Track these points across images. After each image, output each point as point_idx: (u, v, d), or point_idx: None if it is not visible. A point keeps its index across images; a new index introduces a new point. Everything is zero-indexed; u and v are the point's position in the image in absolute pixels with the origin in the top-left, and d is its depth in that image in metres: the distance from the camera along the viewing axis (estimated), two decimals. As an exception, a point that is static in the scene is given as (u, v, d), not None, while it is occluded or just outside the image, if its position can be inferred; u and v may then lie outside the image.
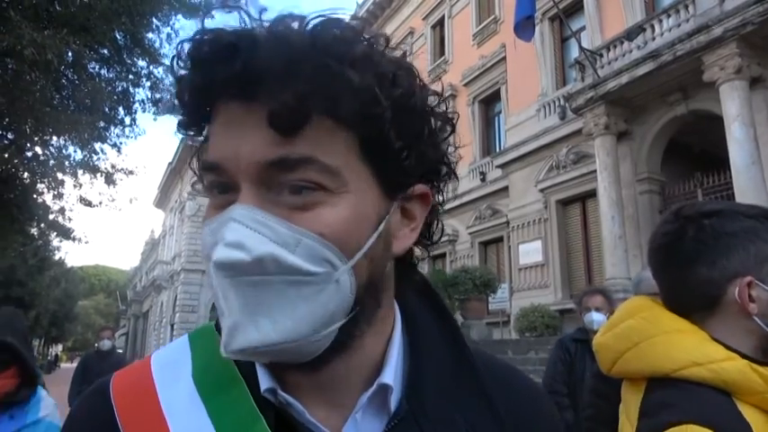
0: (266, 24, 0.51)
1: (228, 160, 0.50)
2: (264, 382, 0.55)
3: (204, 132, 0.57)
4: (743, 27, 9.15)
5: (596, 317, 3.60)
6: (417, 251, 0.65)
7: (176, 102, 0.55)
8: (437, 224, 0.65)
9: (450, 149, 0.63)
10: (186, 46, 0.52)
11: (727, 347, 0.95)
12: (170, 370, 0.59)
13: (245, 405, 0.54)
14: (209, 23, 0.52)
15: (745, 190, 8.94)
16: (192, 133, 0.58)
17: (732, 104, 9.33)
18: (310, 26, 0.51)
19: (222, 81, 0.49)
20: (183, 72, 0.53)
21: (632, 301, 1.13)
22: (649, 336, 1.01)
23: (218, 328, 0.61)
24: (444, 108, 0.60)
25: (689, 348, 0.95)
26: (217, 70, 0.49)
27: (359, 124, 0.51)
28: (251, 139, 0.49)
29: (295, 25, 0.51)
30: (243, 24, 0.52)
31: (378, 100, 0.50)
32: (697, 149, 11.93)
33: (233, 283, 0.48)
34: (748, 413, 0.89)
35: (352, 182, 0.51)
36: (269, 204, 0.50)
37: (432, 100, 0.59)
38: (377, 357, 0.59)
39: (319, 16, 0.51)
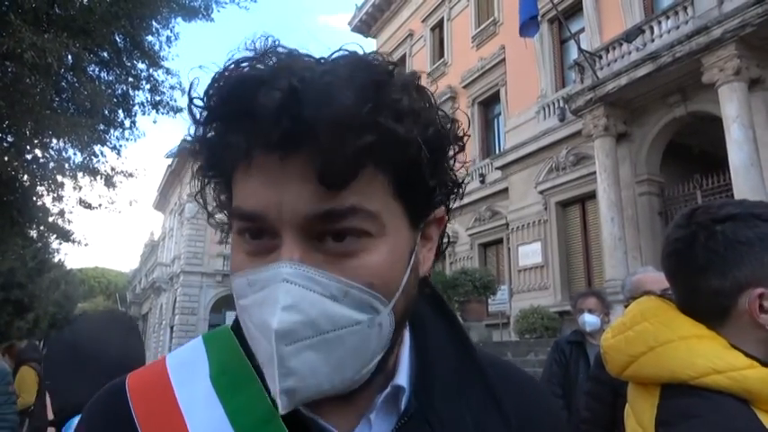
0: (294, 64, 0.50)
1: (271, 211, 0.49)
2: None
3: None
4: (742, 29, 9.17)
5: (588, 318, 3.63)
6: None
7: (199, 148, 0.54)
8: (445, 241, 0.66)
9: (458, 166, 0.63)
10: (222, 90, 0.50)
11: (747, 354, 0.92)
12: (186, 370, 0.60)
13: (261, 404, 0.55)
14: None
15: (745, 191, 8.94)
16: (215, 180, 0.56)
17: (731, 106, 9.35)
18: (348, 70, 0.49)
19: (267, 139, 0.47)
20: (202, 114, 0.52)
21: (645, 303, 1.08)
22: (666, 341, 0.97)
23: (234, 330, 0.62)
24: (456, 130, 0.60)
25: (708, 355, 0.92)
26: (262, 128, 0.47)
27: (397, 170, 0.52)
28: (296, 192, 0.48)
29: (338, 73, 0.49)
30: (263, 63, 0.51)
31: (417, 148, 0.51)
32: (696, 151, 11.94)
33: (293, 351, 0.48)
34: (767, 421, 0.87)
35: (389, 223, 0.52)
36: (313, 252, 0.50)
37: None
38: (391, 363, 0.60)
39: (358, 61, 0.51)
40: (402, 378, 0.59)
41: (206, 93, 0.52)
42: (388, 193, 0.52)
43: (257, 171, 0.50)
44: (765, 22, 8.99)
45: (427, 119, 0.53)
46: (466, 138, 0.61)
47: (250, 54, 0.52)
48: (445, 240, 0.67)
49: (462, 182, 0.62)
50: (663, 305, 1.05)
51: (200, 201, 0.60)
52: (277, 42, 0.54)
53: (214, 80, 0.51)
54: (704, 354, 0.92)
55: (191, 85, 0.54)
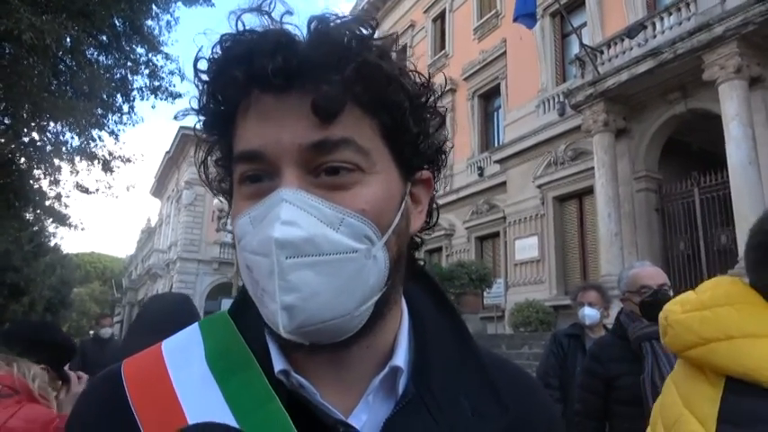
0: (300, 27, 0.56)
1: (270, 146, 0.53)
2: (278, 363, 0.57)
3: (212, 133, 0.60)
4: (744, 26, 9.15)
5: (589, 312, 3.64)
6: (417, 239, 0.68)
7: (198, 101, 0.58)
8: (435, 209, 0.69)
9: (444, 140, 0.68)
10: (227, 42, 0.55)
11: None
12: (181, 354, 0.61)
13: (259, 386, 0.56)
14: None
15: (742, 189, 8.98)
16: (215, 134, 0.60)
17: (731, 104, 9.35)
18: (341, 23, 0.56)
19: (263, 73, 0.52)
20: (204, 74, 0.56)
21: (731, 285, 0.99)
22: (752, 334, 0.89)
23: (233, 315, 0.64)
24: (435, 103, 0.65)
25: None
26: (259, 63, 0.52)
27: (383, 110, 0.56)
28: (291, 126, 0.53)
29: (331, 22, 0.55)
30: (275, 24, 0.56)
31: (403, 88, 0.57)
32: (695, 148, 11.95)
33: (293, 265, 0.50)
34: None
35: (379, 163, 0.56)
36: (310, 186, 0.53)
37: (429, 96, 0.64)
38: (388, 342, 0.61)
39: (348, 17, 0.57)
40: (400, 359, 0.59)
41: (212, 50, 0.56)
42: (377, 134, 0.57)
43: (255, 111, 0.54)
44: (767, 21, 8.96)
45: (406, 68, 0.59)
46: (445, 110, 0.67)
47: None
48: (441, 232, 0.69)
49: (445, 151, 0.67)
50: (752, 294, 0.95)
51: (203, 174, 0.63)
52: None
53: (215, 44, 0.56)
54: None
55: (196, 57, 0.58)
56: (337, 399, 0.56)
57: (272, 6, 0.57)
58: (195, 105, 0.59)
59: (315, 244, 0.50)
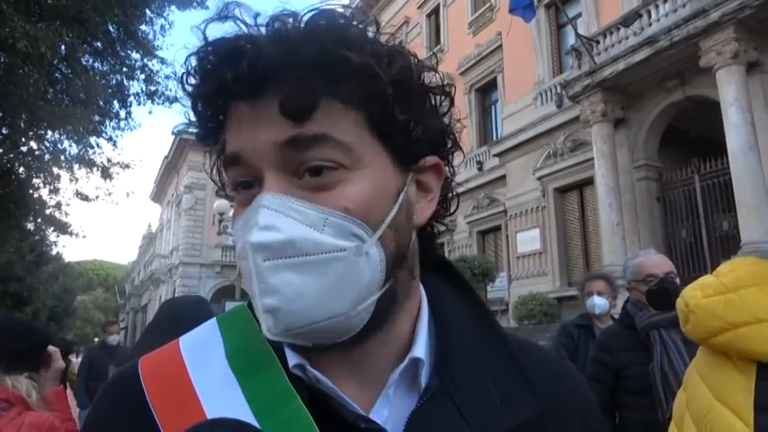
0: (262, 27, 0.55)
1: (247, 148, 0.53)
2: (293, 358, 0.56)
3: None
4: (740, 11, 9.11)
5: (598, 301, 3.61)
6: (436, 228, 0.67)
7: (192, 117, 0.59)
8: (452, 195, 0.67)
9: (453, 123, 0.65)
10: (193, 60, 0.55)
11: None
12: (200, 351, 0.60)
13: (279, 383, 0.55)
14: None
15: (742, 175, 8.95)
16: (213, 146, 0.60)
17: (729, 90, 9.31)
18: (305, 19, 0.54)
19: (230, 84, 0.52)
20: (192, 85, 0.56)
21: (755, 265, 0.93)
22: None
23: (251, 308, 0.62)
24: (440, 81, 0.62)
25: None
26: (224, 74, 0.52)
27: (364, 102, 0.54)
28: (266, 128, 0.52)
29: (290, 21, 0.54)
30: (240, 30, 0.55)
31: (378, 77, 0.53)
32: (694, 135, 11.91)
33: (272, 267, 0.50)
34: None
35: (366, 157, 0.54)
36: (292, 188, 0.52)
37: (431, 76, 0.61)
38: (407, 334, 0.59)
39: (312, 10, 0.55)
40: (420, 350, 0.57)
41: (183, 66, 0.57)
42: (363, 127, 0.54)
43: (234, 118, 0.54)
44: (764, 4, 8.92)
45: (382, 51, 0.55)
46: (452, 88, 0.64)
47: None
48: (442, 228, 0.68)
49: (453, 132, 0.64)
50: None
51: (208, 173, 0.63)
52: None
53: (190, 56, 0.56)
54: None
55: (186, 62, 0.57)
56: (356, 394, 0.55)
57: (232, 12, 0.55)
58: (190, 118, 0.60)
59: (295, 245, 0.50)
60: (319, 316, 0.50)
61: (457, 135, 0.65)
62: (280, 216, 0.50)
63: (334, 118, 0.52)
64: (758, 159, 9.08)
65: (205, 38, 0.55)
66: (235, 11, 0.56)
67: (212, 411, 0.53)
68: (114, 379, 0.61)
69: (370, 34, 0.57)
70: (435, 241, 0.68)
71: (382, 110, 0.54)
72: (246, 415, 0.53)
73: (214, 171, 0.62)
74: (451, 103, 0.63)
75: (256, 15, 0.56)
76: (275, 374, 0.55)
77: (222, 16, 0.56)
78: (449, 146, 0.64)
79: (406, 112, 0.56)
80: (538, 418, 0.56)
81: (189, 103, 0.58)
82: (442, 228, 0.68)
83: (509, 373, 0.59)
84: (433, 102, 0.62)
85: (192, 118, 0.59)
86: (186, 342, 0.62)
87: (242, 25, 0.55)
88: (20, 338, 1.97)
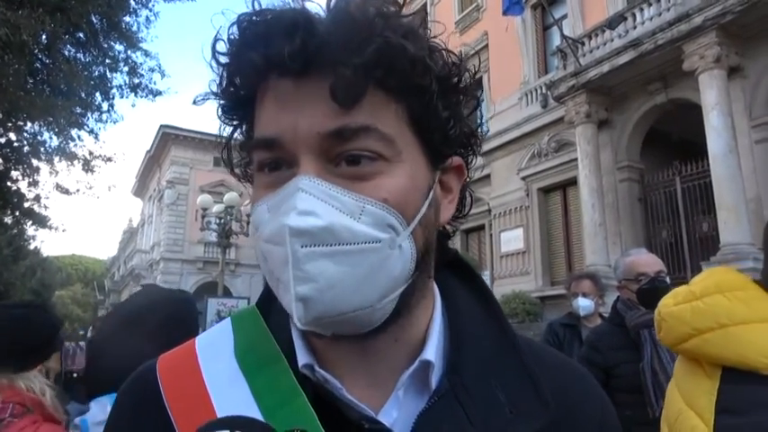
0: (312, 2, 0.52)
1: (287, 133, 0.51)
2: (302, 358, 0.56)
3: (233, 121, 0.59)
4: (723, 16, 9.26)
5: (583, 302, 3.62)
6: (449, 227, 0.65)
7: (218, 86, 0.55)
8: (470, 197, 0.66)
9: (478, 125, 0.66)
10: (233, 29, 0.52)
11: None
12: (213, 349, 0.61)
13: (285, 381, 0.55)
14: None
15: (722, 178, 9.11)
16: (234, 121, 0.58)
17: (711, 93, 9.46)
18: (361, 3, 0.52)
19: (281, 57, 0.49)
20: (222, 56, 0.54)
21: (721, 274, 0.98)
22: (742, 320, 0.87)
23: (260, 308, 0.63)
24: (470, 84, 0.61)
25: None
26: (276, 46, 0.49)
27: (409, 95, 0.53)
28: (309, 112, 0.50)
29: (345, 3, 0.52)
30: (287, 5, 0.53)
31: (429, 70, 0.52)
32: (676, 138, 12.09)
33: (309, 254, 0.48)
34: None
35: (404, 151, 0.53)
36: (329, 176, 0.50)
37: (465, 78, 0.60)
38: (419, 335, 0.59)
39: None
40: (430, 352, 0.56)
41: (228, 31, 0.53)
42: (403, 121, 0.53)
43: (273, 96, 0.52)
44: (746, 10, 9.08)
45: (433, 47, 0.55)
46: (480, 93, 0.62)
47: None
48: (468, 201, 0.66)
49: (478, 135, 0.64)
50: (743, 280, 0.94)
51: (224, 157, 0.61)
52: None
53: (232, 24, 0.53)
54: None
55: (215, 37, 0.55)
56: (366, 394, 0.55)
57: None
58: (214, 88, 0.56)
59: (333, 233, 0.48)
60: (348, 307, 0.49)
61: (481, 138, 0.65)
62: (318, 202, 0.48)
63: (378, 109, 0.51)
64: (737, 163, 9.24)
65: (258, 4, 0.52)
66: None
67: (222, 408, 0.54)
68: (133, 378, 0.62)
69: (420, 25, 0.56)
70: (450, 239, 0.67)
71: (425, 104, 0.54)
72: (253, 412, 0.53)
73: (225, 152, 0.60)
74: (477, 106, 0.64)
75: None
76: (282, 373, 0.55)
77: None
78: (471, 148, 0.63)
79: (447, 109, 0.56)
80: (550, 426, 0.55)
81: (221, 70, 0.54)
82: (452, 229, 0.67)
83: (520, 381, 0.58)
84: (465, 102, 0.61)
85: (219, 88, 0.56)
86: (202, 341, 0.63)
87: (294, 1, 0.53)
88: (36, 329, 1.69)
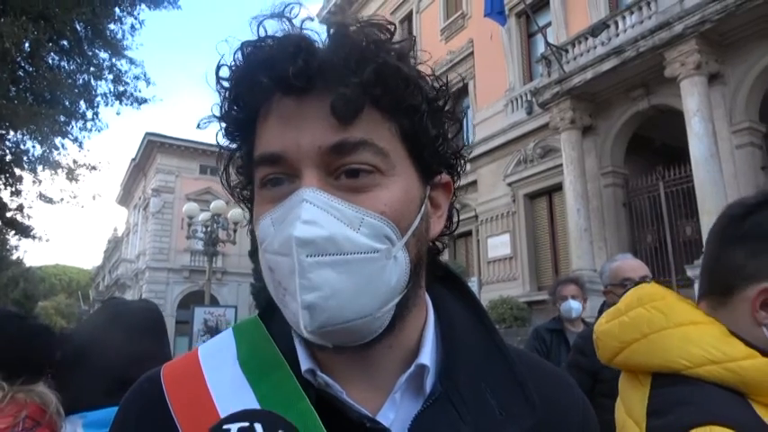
0: (310, 30, 0.57)
1: (290, 148, 0.54)
2: (305, 363, 0.58)
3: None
4: (702, 24, 9.44)
5: (574, 304, 3.65)
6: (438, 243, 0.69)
7: (222, 109, 0.59)
8: (456, 214, 0.70)
9: (462, 146, 0.69)
10: (243, 50, 0.56)
11: (747, 343, 0.86)
12: (216, 357, 0.63)
13: (289, 385, 0.57)
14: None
15: (704, 182, 9.25)
16: (236, 141, 0.61)
17: (692, 100, 9.63)
18: (359, 28, 0.57)
19: (286, 76, 0.53)
20: (226, 81, 0.57)
21: (643, 289, 1.04)
22: (661, 327, 0.93)
23: (262, 318, 0.66)
24: (453, 107, 0.66)
25: (704, 344, 0.87)
26: (281, 67, 0.53)
27: (402, 114, 0.57)
28: (310, 128, 0.54)
29: (344, 28, 0.57)
30: (293, 30, 0.57)
31: (420, 90, 0.57)
32: (658, 143, 12.28)
33: (314, 264, 0.51)
34: (764, 414, 0.82)
35: (398, 166, 0.57)
36: (330, 188, 0.54)
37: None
38: (414, 341, 0.62)
39: (363, 21, 0.58)
40: (426, 357, 0.60)
41: (233, 56, 0.57)
42: (396, 138, 0.57)
43: (277, 115, 0.55)
44: (724, 19, 9.28)
45: (422, 72, 0.60)
46: (463, 116, 0.65)
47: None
48: (455, 220, 0.70)
49: (464, 155, 0.67)
50: (661, 291, 1.00)
51: (225, 182, 0.65)
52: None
53: (236, 50, 0.57)
54: (700, 342, 0.88)
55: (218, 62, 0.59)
56: (365, 397, 0.57)
57: (292, 12, 0.58)
58: (216, 113, 0.60)
59: (336, 243, 0.51)
60: (351, 315, 0.52)
61: (466, 159, 0.69)
62: (321, 212, 0.51)
63: (373, 126, 0.55)
64: (719, 167, 9.40)
65: (263, 30, 0.56)
66: (292, 11, 0.58)
67: (226, 412, 0.55)
68: (139, 383, 0.65)
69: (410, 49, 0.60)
70: (440, 255, 0.70)
71: (416, 122, 0.58)
72: None
73: (224, 173, 0.63)
74: (460, 128, 0.67)
75: (307, 18, 0.58)
76: (285, 378, 0.58)
77: (277, 14, 0.58)
78: (458, 167, 0.67)
79: (435, 128, 0.60)
80: (536, 427, 0.59)
81: (226, 93, 0.58)
82: (441, 245, 0.70)
83: (508, 385, 0.61)
84: (451, 123, 0.65)
85: (221, 111, 0.59)
86: (204, 350, 0.65)
87: (292, 26, 0.57)
88: (46, 341, 1.62)
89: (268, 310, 0.66)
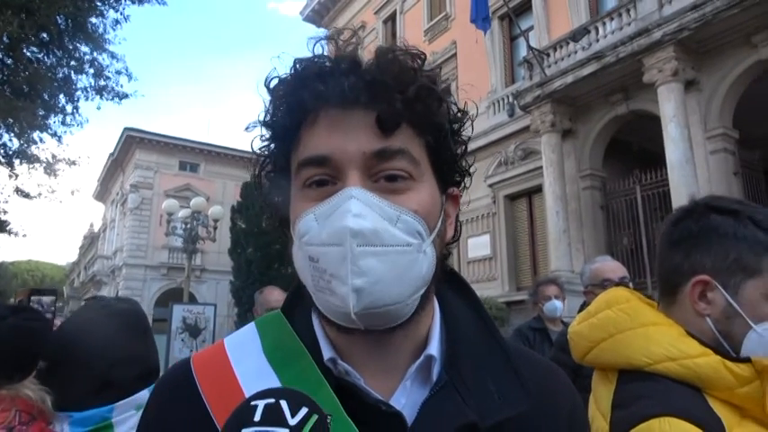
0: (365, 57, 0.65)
1: (337, 152, 0.62)
2: (327, 352, 0.65)
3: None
4: (680, 32, 9.68)
5: (558, 304, 3.76)
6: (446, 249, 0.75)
7: (270, 115, 0.67)
8: (459, 224, 0.78)
9: (469, 165, 0.78)
10: (299, 65, 0.64)
11: (702, 343, 0.95)
12: (241, 348, 0.70)
13: (311, 373, 0.64)
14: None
15: (679, 186, 9.48)
16: (278, 144, 0.68)
17: (669, 105, 9.87)
18: (400, 53, 0.65)
19: (341, 89, 0.61)
20: (279, 89, 0.65)
21: (611, 292, 1.14)
22: (626, 328, 1.03)
23: (285, 312, 0.72)
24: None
25: (664, 343, 0.97)
26: (337, 81, 0.62)
27: (430, 131, 0.66)
28: (356, 136, 0.62)
29: (389, 53, 0.65)
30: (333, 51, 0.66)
31: (448, 111, 0.68)
32: (636, 148, 12.52)
33: (362, 253, 0.58)
34: (718, 408, 0.91)
35: (425, 174, 0.66)
36: (371, 189, 0.61)
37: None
38: (424, 334, 0.69)
39: (402, 48, 0.67)
40: (433, 348, 0.67)
41: (290, 69, 0.65)
42: (424, 152, 0.66)
43: (325, 122, 0.63)
44: (701, 27, 9.52)
45: (446, 98, 0.68)
46: (468, 138, 0.76)
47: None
48: (459, 226, 0.78)
49: (471, 173, 0.76)
50: (628, 295, 1.10)
51: (258, 180, 0.72)
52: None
53: (293, 65, 0.65)
54: (659, 341, 0.97)
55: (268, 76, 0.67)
56: (379, 383, 0.64)
57: (342, 36, 0.68)
58: (261, 118, 0.68)
59: (378, 235, 0.58)
60: (388, 300, 0.59)
61: (471, 175, 0.77)
62: (366, 208, 0.59)
63: (408, 138, 0.64)
64: (694, 172, 9.65)
65: (313, 52, 0.66)
66: (342, 36, 0.67)
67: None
68: (171, 370, 0.72)
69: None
70: (447, 259, 0.76)
71: (440, 140, 0.67)
72: None
73: (264, 174, 0.70)
74: (465, 150, 0.75)
75: (356, 44, 0.67)
76: (308, 366, 0.64)
77: (329, 37, 0.68)
78: (465, 184, 0.77)
79: (456, 145, 0.71)
80: (530, 411, 0.66)
81: (276, 101, 0.65)
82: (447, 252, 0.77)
83: (506, 373, 0.69)
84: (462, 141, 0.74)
85: (269, 118, 0.66)
86: (230, 342, 0.72)
87: (333, 47, 0.65)
88: (40, 337, 1.60)
89: (292, 304, 0.73)
